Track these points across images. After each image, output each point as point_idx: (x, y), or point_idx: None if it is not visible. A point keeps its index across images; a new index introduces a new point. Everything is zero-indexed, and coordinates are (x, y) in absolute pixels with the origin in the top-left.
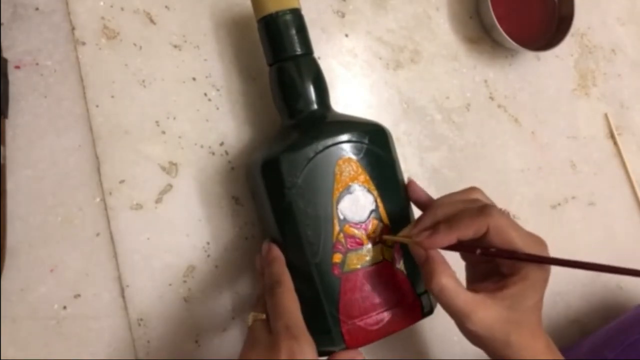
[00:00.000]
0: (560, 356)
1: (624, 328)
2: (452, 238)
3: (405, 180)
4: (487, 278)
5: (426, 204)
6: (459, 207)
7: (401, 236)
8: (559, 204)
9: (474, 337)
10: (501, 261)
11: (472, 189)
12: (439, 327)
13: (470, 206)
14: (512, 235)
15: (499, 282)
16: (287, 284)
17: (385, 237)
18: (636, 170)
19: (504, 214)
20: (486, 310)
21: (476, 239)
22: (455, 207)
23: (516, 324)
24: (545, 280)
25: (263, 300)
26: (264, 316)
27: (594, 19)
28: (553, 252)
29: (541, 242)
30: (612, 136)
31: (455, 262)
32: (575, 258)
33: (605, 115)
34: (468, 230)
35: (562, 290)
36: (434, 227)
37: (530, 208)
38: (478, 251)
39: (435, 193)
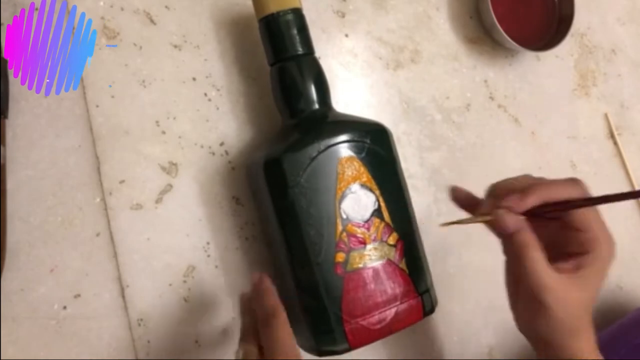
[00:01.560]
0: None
1: (625, 331)
2: (547, 195)
3: (450, 186)
4: (556, 261)
5: (473, 201)
6: (526, 180)
7: (479, 215)
8: None
9: (547, 317)
10: (573, 238)
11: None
12: (439, 327)
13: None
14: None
15: (575, 261)
16: (282, 316)
17: (462, 220)
18: (636, 170)
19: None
20: (568, 291)
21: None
22: (520, 182)
23: (586, 309)
24: (611, 261)
25: (251, 331)
26: (255, 349)
27: (594, 19)
28: None
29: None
30: (612, 136)
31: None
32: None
33: (605, 115)
34: (562, 193)
35: None
36: (523, 191)
37: None
38: (550, 210)
39: (435, 193)
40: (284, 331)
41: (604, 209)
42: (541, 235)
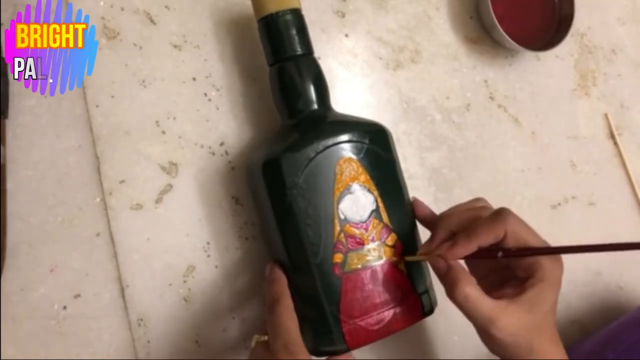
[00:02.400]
0: None
1: (625, 328)
2: (472, 246)
3: (411, 198)
4: (502, 286)
5: (432, 221)
6: (471, 214)
7: (421, 254)
8: (559, 204)
9: (498, 344)
10: (517, 264)
11: (477, 199)
12: (439, 327)
13: (483, 213)
14: (527, 238)
15: (517, 286)
16: (286, 302)
17: (407, 257)
18: (636, 170)
19: (518, 219)
20: (510, 317)
21: (493, 245)
22: (468, 215)
23: (538, 329)
24: (560, 280)
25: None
26: (265, 337)
27: (594, 19)
28: None
29: (547, 244)
30: (612, 136)
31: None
32: (575, 258)
33: (605, 115)
34: (487, 237)
35: (563, 290)
36: (453, 239)
37: (530, 208)
38: (500, 254)
39: (435, 193)
40: (286, 317)
41: (603, 209)
42: (486, 263)
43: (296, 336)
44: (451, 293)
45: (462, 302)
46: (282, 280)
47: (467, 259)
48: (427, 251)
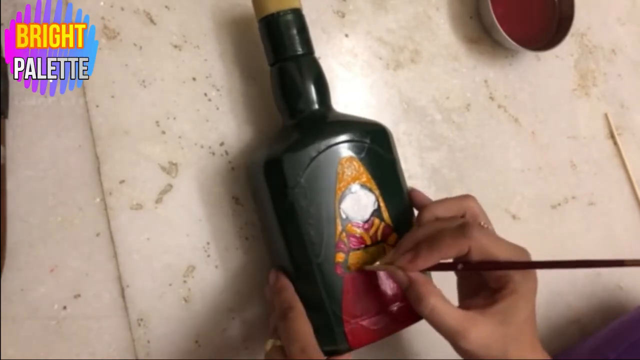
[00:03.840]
0: None
1: (626, 328)
2: (434, 260)
3: (408, 188)
4: (478, 293)
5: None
6: (439, 226)
7: (385, 263)
8: (559, 204)
9: (470, 356)
10: (488, 275)
11: (466, 197)
12: None
13: (450, 225)
14: (494, 252)
15: (489, 297)
16: (299, 308)
17: (367, 267)
18: (636, 170)
19: (485, 231)
20: (479, 328)
21: (457, 258)
22: (436, 227)
23: (513, 339)
24: (534, 291)
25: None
26: (279, 342)
27: (594, 19)
28: (553, 253)
29: (523, 252)
30: (612, 136)
31: (444, 280)
32: (575, 258)
33: (605, 115)
34: (449, 252)
35: (562, 290)
36: (415, 250)
37: (530, 208)
38: (460, 266)
39: (435, 193)
40: (301, 322)
41: (604, 209)
42: (462, 273)
43: (312, 341)
44: (417, 306)
45: (429, 315)
46: (290, 286)
47: (428, 270)
48: (391, 261)
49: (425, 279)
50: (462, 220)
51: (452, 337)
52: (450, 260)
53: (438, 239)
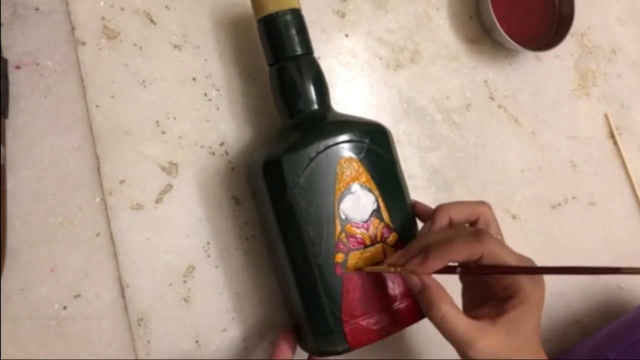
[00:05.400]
0: None
1: (626, 328)
2: (444, 262)
3: (411, 200)
4: (485, 303)
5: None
6: (451, 232)
7: (390, 264)
8: (559, 204)
9: None
10: (496, 284)
11: (482, 203)
12: None
13: (462, 232)
14: (505, 260)
15: (497, 306)
16: None
17: (367, 268)
18: (636, 170)
19: (498, 240)
20: (489, 338)
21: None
22: (447, 233)
23: (519, 350)
24: (542, 301)
25: None
26: None
27: (594, 19)
28: (553, 253)
29: (531, 262)
30: (612, 136)
31: (451, 287)
32: (575, 258)
33: (605, 115)
34: (461, 255)
35: (563, 290)
36: (425, 252)
37: (530, 208)
38: (458, 270)
39: (435, 193)
40: None
41: (604, 209)
42: (468, 280)
43: None
44: (428, 312)
45: (439, 322)
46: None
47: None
48: (395, 263)
49: (438, 285)
50: (475, 228)
51: (460, 346)
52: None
53: (450, 242)
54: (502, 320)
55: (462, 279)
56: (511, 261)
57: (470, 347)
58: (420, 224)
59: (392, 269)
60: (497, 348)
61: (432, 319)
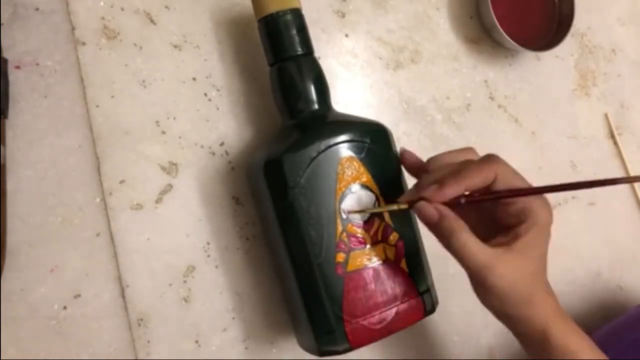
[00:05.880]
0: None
1: (625, 326)
2: (461, 189)
3: (400, 149)
4: (494, 234)
5: (420, 168)
6: (459, 164)
7: (406, 201)
8: (559, 204)
9: (496, 295)
10: (507, 212)
11: (468, 149)
12: (439, 327)
13: (471, 159)
14: (517, 183)
15: (509, 233)
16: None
17: (386, 207)
18: (636, 170)
19: (507, 163)
20: (508, 264)
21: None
22: (456, 165)
23: (535, 275)
24: (550, 223)
25: None
26: None
27: (594, 19)
28: (553, 252)
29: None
30: (612, 136)
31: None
32: (575, 258)
33: (605, 115)
34: (477, 179)
35: (562, 290)
36: (441, 181)
37: None
38: (462, 200)
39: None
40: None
41: (604, 209)
42: (477, 212)
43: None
44: (447, 241)
45: (459, 250)
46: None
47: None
48: (411, 199)
49: (454, 215)
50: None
51: (480, 271)
52: None
53: (463, 169)
54: (517, 245)
55: (469, 217)
56: (520, 183)
57: (491, 272)
58: (420, 225)
59: (397, 207)
60: (517, 274)
61: (451, 248)
